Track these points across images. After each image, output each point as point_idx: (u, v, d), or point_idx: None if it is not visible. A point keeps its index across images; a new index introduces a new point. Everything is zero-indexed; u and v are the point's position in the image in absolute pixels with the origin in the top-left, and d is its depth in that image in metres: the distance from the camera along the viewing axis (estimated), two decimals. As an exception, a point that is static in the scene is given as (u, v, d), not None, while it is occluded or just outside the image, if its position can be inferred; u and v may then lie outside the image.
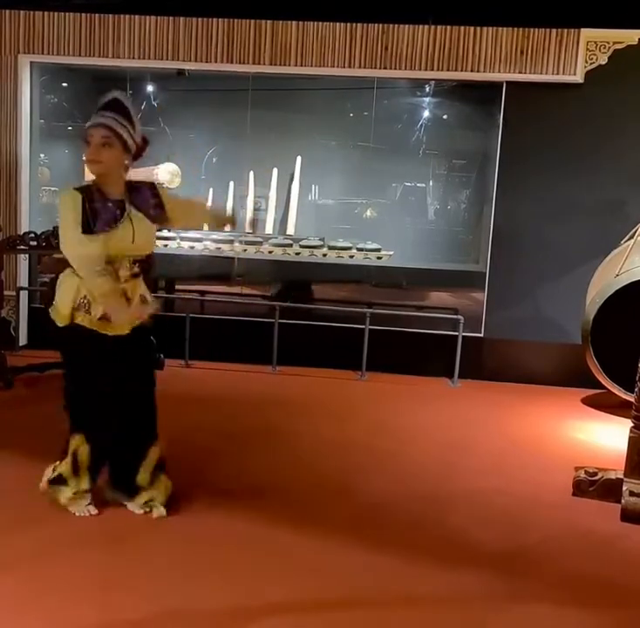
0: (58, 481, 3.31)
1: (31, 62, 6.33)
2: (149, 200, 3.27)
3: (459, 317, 6.17)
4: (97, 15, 6.11)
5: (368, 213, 7.54)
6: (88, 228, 3.08)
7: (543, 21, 5.83)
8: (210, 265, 7.00)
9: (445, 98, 7.33)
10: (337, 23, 5.95)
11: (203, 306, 6.82)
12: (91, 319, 3.14)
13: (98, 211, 3.10)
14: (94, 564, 2.88)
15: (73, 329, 3.16)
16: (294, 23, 5.98)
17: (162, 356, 5.99)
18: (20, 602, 2.61)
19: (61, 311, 3.17)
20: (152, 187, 3.34)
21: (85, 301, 3.13)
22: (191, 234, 7.02)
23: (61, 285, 3.21)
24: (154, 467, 3.35)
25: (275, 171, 7.30)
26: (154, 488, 3.35)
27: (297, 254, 6.64)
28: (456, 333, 6.07)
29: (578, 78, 5.81)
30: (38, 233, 5.47)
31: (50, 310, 3.23)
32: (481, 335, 6.25)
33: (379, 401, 5.52)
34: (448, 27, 5.87)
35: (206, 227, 3.94)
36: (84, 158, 3.24)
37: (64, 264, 3.21)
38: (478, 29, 5.84)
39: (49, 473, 3.37)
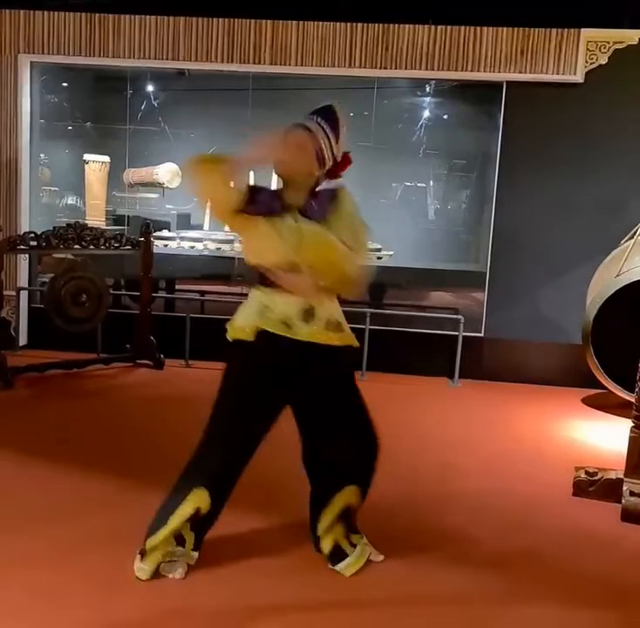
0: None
1: (31, 62, 6.32)
2: (325, 200, 2.79)
3: (460, 316, 6.17)
4: (97, 15, 6.11)
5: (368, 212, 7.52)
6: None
7: (543, 21, 5.83)
8: (210, 265, 7.00)
9: (445, 98, 7.34)
10: (337, 23, 5.94)
11: (203, 306, 6.82)
12: (274, 323, 2.70)
13: (257, 202, 2.75)
14: (94, 564, 2.87)
15: (243, 344, 2.73)
16: (294, 23, 5.98)
17: (163, 356, 6.01)
18: (20, 602, 2.61)
19: (234, 323, 2.78)
20: (333, 196, 2.82)
21: (264, 308, 2.72)
22: (191, 234, 7.03)
23: (244, 304, 2.82)
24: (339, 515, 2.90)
25: (275, 171, 7.30)
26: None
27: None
28: (456, 333, 6.06)
29: (578, 77, 5.81)
30: (38, 233, 5.48)
31: (227, 326, 2.81)
32: (481, 335, 6.25)
33: (379, 401, 5.49)
34: (448, 27, 5.87)
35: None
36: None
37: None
38: (478, 29, 5.84)
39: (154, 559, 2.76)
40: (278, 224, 2.71)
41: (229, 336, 2.77)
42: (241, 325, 2.75)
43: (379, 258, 6.63)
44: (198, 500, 2.75)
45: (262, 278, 2.76)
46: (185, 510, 2.74)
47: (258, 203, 2.75)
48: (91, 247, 5.68)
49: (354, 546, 2.95)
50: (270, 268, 2.71)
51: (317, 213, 2.76)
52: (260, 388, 2.75)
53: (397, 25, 5.91)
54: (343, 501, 2.89)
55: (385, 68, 5.98)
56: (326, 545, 2.92)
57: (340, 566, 2.89)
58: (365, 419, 2.92)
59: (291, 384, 2.79)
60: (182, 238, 6.84)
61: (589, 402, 5.71)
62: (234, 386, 2.78)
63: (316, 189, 2.82)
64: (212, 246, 6.83)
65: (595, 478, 3.75)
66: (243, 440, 2.83)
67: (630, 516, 3.49)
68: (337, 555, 2.91)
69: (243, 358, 2.75)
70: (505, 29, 5.82)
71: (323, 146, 2.77)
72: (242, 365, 2.76)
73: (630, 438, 3.62)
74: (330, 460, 2.88)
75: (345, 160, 2.85)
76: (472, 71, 5.89)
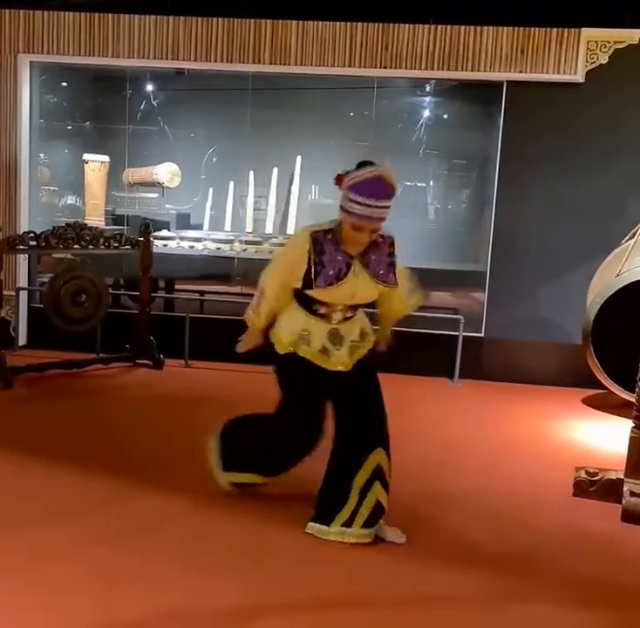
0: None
1: (31, 62, 6.32)
2: (384, 258, 3.20)
3: (460, 316, 6.16)
4: (97, 15, 6.11)
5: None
6: (308, 283, 3.09)
7: (543, 21, 5.83)
8: (210, 265, 7.00)
9: (445, 97, 7.35)
10: (337, 23, 5.94)
11: (203, 306, 6.81)
12: (313, 352, 3.20)
13: (324, 265, 3.07)
14: (94, 564, 2.87)
15: (294, 357, 3.21)
16: (294, 22, 5.98)
17: (162, 356, 6.01)
18: (20, 601, 2.60)
19: (282, 340, 3.24)
20: (391, 245, 3.23)
21: (306, 333, 3.20)
22: (191, 233, 7.03)
23: (284, 315, 3.26)
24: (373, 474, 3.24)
25: (275, 171, 7.31)
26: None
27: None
28: (456, 333, 6.06)
29: (579, 77, 5.80)
30: (38, 233, 5.47)
31: (271, 335, 3.30)
32: (481, 335, 6.24)
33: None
34: (448, 27, 5.86)
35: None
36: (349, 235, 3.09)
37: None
38: (478, 29, 5.84)
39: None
40: (340, 284, 3.10)
41: (279, 350, 3.26)
42: (288, 344, 3.23)
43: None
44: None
45: (307, 304, 3.20)
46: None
47: (326, 268, 3.07)
48: (91, 247, 5.68)
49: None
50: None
51: (382, 276, 3.17)
52: (310, 385, 3.26)
53: (397, 25, 5.90)
54: (376, 460, 3.22)
55: (385, 68, 5.97)
56: (367, 506, 3.19)
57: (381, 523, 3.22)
58: (381, 399, 3.33)
59: (329, 385, 3.27)
60: (182, 238, 6.84)
61: (589, 402, 5.71)
62: (294, 385, 3.31)
63: (375, 239, 3.16)
64: (211, 246, 6.83)
65: (596, 478, 3.74)
66: (313, 417, 3.32)
67: (630, 517, 3.49)
68: (378, 512, 3.20)
69: (294, 367, 3.25)
70: (505, 28, 5.82)
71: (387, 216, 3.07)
72: (295, 371, 3.27)
73: (630, 438, 3.62)
74: (359, 429, 3.25)
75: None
76: (472, 70, 5.88)
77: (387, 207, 3.01)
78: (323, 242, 3.08)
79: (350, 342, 3.24)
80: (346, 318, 3.23)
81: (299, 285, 3.13)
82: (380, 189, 2.97)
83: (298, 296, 3.21)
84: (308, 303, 3.19)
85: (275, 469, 3.47)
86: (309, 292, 3.13)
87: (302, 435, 3.35)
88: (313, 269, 3.06)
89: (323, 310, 3.19)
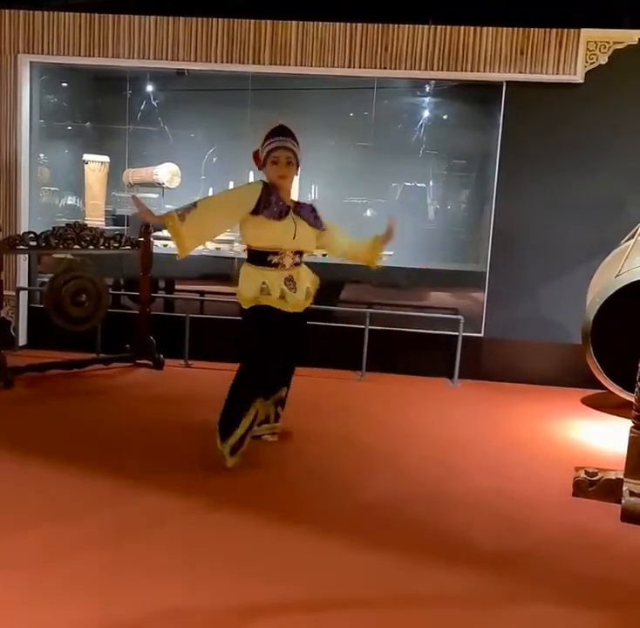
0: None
1: (31, 62, 6.32)
2: (310, 213, 4.06)
3: (459, 317, 6.17)
4: (97, 15, 6.11)
5: (368, 212, 7.54)
6: (256, 211, 3.85)
7: (543, 21, 5.83)
8: (210, 265, 7.00)
9: (445, 98, 7.35)
10: (337, 23, 5.95)
11: (203, 306, 6.82)
12: (273, 299, 3.90)
13: (271, 203, 3.85)
14: (94, 564, 2.87)
15: (257, 308, 3.91)
16: (294, 23, 5.98)
17: (162, 356, 6.01)
18: (20, 602, 2.60)
19: (246, 296, 3.93)
20: (312, 208, 4.11)
21: (265, 286, 3.89)
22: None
23: (243, 276, 4.00)
24: (277, 402, 4.31)
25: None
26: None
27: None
28: (456, 333, 6.06)
29: (578, 77, 5.81)
30: (38, 233, 5.47)
31: (237, 295, 4.03)
32: (481, 335, 6.25)
33: (379, 401, 5.52)
34: (448, 27, 5.87)
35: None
36: (262, 170, 3.98)
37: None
38: (478, 29, 5.84)
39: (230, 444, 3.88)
40: (282, 222, 3.91)
41: (244, 305, 3.96)
42: (250, 298, 3.92)
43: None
44: (257, 406, 4.01)
45: (255, 257, 3.97)
46: (251, 414, 3.94)
47: (272, 207, 3.87)
48: (91, 247, 5.68)
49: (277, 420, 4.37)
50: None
51: (312, 221, 4.05)
52: (269, 330, 3.96)
53: (396, 25, 5.91)
54: (282, 393, 4.34)
55: (385, 68, 5.98)
56: (268, 413, 4.29)
57: (267, 425, 4.30)
58: (303, 348, 4.35)
59: (282, 328, 3.98)
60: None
61: (589, 402, 5.71)
62: (256, 332, 3.98)
63: (298, 201, 4.11)
64: (211, 246, 6.83)
65: (595, 478, 3.75)
66: (270, 360, 4.05)
67: (630, 516, 3.49)
68: (266, 420, 4.28)
69: (256, 316, 3.94)
70: (505, 29, 5.83)
71: (298, 156, 3.96)
72: (257, 320, 3.96)
73: (630, 438, 3.62)
74: (283, 373, 4.27)
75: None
76: (471, 71, 5.89)
77: (292, 141, 3.91)
78: (271, 192, 3.89)
79: (305, 288, 4.03)
80: (296, 264, 3.99)
81: (249, 210, 3.84)
82: (282, 129, 3.92)
83: (252, 254, 3.98)
84: (261, 258, 3.93)
85: (250, 396, 3.98)
86: (257, 221, 3.85)
87: (266, 366, 4.02)
88: (262, 205, 3.84)
89: (275, 259, 3.91)
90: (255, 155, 3.98)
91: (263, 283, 3.90)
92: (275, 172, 3.92)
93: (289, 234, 3.92)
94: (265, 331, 3.95)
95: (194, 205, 3.79)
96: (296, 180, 4.43)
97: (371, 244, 4.32)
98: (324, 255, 6.56)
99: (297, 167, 3.99)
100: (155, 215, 3.91)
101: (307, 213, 4.05)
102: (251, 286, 3.93)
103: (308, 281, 4.10)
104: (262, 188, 3.88)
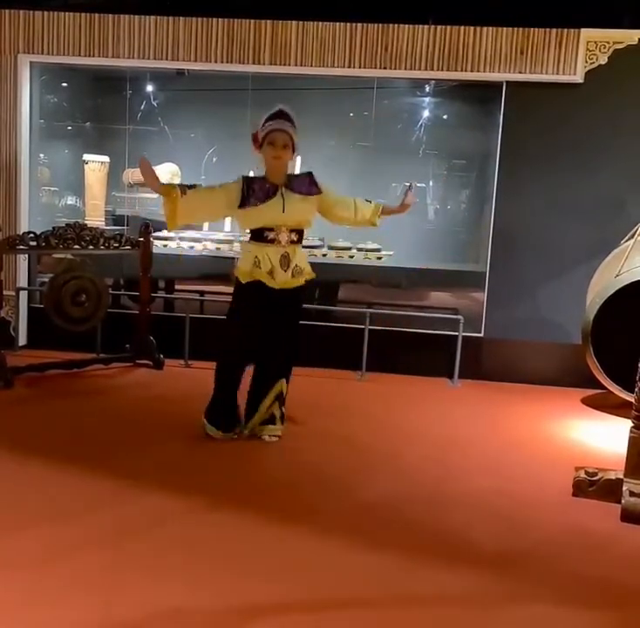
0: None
1: (31, 62, 6.32)
2: (305, 183, 4.21)
3: (459, 317, 6.16)
4: (97, 15, 6.11)
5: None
6: (242, 204, 4.06)
7: (543, 21, 5.83)
8: (210, 265, 7.00)
9: (445, 98, 7.34)
10: (337, 23, 5.95)
11: (203, 306, 6.82)
12: (262, 273, 4.08)
13: (254, 191, 4.07)
14: (94, 564, 2.88)
15: (251, 284, 4.10)
16: (294, 23, 5.98)
17: (162, 356, 6.01)
18: (20, 602, 2.60)
19: (242, 269, 4.14)
20: (310, 175, 4.27)
21: (258, 260, 4.09)
22: (190, 233, 7.03)
23: (242, 252, 4.27)
24: (277, 397, 4.34)
25: (275, 171, 7.28)
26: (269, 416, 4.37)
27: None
28: (456, 333, 6.06)
29: (578, 77, 5.81)
30: (38, 233, 5.47)
31: (234, 271, 4.20)
32: (481, 335, 6.25)
33: (379, 401, 5.52)
34: (448, 27, 5.87)
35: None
36: (255, 154, 4.20)
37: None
38: (478, 29, 5.84)
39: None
40: (269, 202, 4.09)
41: (242, 279, 4.14)
42: (246, 272, 4.12)
43: (379, 258, 6.63)
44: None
45: (254, 235, 4.16)
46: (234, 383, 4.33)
47: (257, 193, 4.08)
48: (91, 247, 5.68)
49: (282, 421, 4.42)
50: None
51: (306, 189, 4.18)
52: (253, 309, 4.17)
53: (396, 25, 5.91)
54: (279, 387, 4.33)
55: (385, 68, 5.98)
56: (266, 415, 4.36)
57: (271, 426, 4.37)
58: (297, 336, 4.35)
59: (269, 309, 4.16)
60: (181, 238, 6.84)
61: (589, 402, 5.71)
62: (240, 308, 4.22)
63: (295, 174, 4.32)
64: (211, 246, 6.83)
65: (595, 478, 3.75)
66: (248, 342, 4.26)
67: (630, 517, 3.49)
68: (271, 420, 4.36)
69: (246, 292, 4.16)
70: (505, 29, 5.82)
71: (295, 140, 4.13)
72: (245, 297, 4.19)
73: (630, 438, 3.62)
74: (275, 361, 4.31)
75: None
76: (471, 71, 5.89)
77: (289, 124, 4.12)
78: (253, 180, 4.15)
79: (295, 266, 4.16)
80: (293, 241, 4.15)
81: (235, 207, 4.07)
82: (281, 113, 4.15)
83: (251, 233, 4.17)
84: (258, 235, 4.12)
85: (230, 370, 4.29)
86: (246, 211, 4.08)
87: (241, 343, 4.21)
88: (246, 197, 4.06)
89: (271, 236, 4.09)
90: (254, 137, 4.16)
91: (256, 257, 4.10)
92: (271, 153, 4.10)
93: (278, 209, 4.09)
94: (246, 307, 4.17)
95: (194, 186, 4.09)
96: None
97: (377, 208, 4.55)
98: (324, 255, 6.58)
99: (294, 151, 4.17)
100: (159, 183, 4.03)
101: (300, 184, 4.19)
102: (247, 257, 4.15)
103: (302, 262, 4.24)
104: (243, 182, 4.11)
